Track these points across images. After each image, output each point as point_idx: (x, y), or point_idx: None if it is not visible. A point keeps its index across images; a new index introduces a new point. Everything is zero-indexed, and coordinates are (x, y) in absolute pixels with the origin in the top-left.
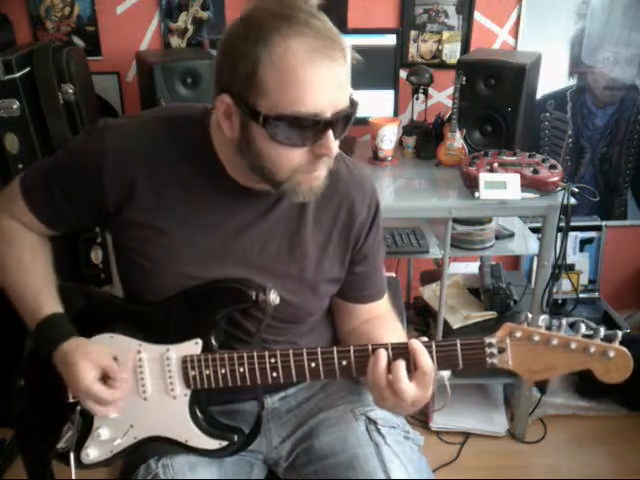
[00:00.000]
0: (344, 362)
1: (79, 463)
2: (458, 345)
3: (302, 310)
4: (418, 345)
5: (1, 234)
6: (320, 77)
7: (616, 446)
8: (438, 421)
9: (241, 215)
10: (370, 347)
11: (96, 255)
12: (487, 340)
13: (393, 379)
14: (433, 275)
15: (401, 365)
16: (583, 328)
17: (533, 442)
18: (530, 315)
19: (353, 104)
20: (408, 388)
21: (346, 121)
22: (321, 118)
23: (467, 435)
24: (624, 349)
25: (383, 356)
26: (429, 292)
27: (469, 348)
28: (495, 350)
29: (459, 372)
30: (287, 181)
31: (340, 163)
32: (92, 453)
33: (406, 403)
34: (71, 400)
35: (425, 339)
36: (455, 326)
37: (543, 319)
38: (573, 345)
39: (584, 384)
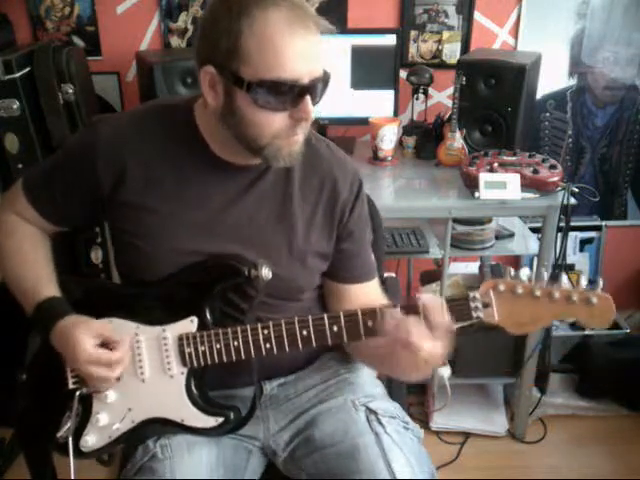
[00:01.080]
0: (335, 328)
1: (79, 452)
2: (443, 302)
3: (292, 283)
4: (430, 300)
5: (3, 226)
6: (297, 45)
7: (616, 446)
8: (438, 421)
9: (228, 189)
10: (359, 312)
11: (96, 255)
12: (471, 294)
13: (405, 333)
14: (433, 275)
15: (412, 319)
16: (565, 279)
17: (533, 442)
18: (512, 270)
19: (326, 74)
20: (420, 342)
21: (322, 88)
22: (299, 84)
23: (467, 435)
24: (606, 294)
25: (393, 313)
26: (429, 292)
27: (455, 305)
28: (479, 304)
29: (459, 372)
30: (268, 146)
31: (322, 144)
32: (91, 440)
33: (420, 359)
34: (71, 386)
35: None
36: (455, 326)
37: (525, 273)
38: (556, 294)
39: (584, 384)
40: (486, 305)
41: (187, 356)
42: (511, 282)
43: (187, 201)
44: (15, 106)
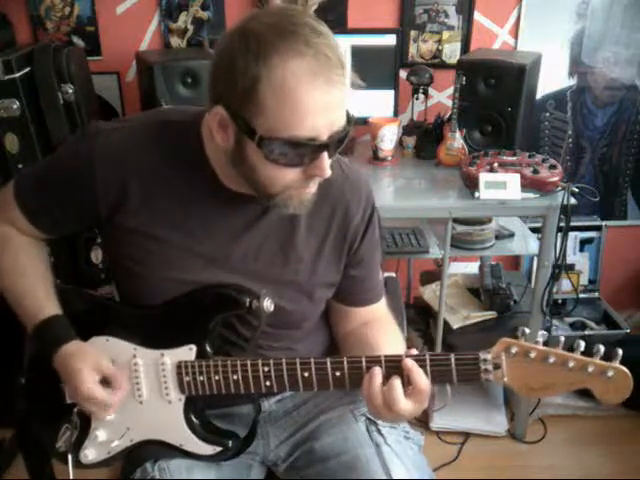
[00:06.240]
0: (337, 373)
1: (78, 463)
2: (452, 360)
3: (298, 316)
4: (413, 365)
5: None
6: (319, 102)
7: (616, 446)
8: (438, 421)
9: (234, 221)
10: (364, 360)
11: (96, 255)
12: (482, 356)
13: (389, 400)
14: (433, 275)
15: (397, 386)
16: (582, 346)
17: (533, 442)
18: (527, 330)
19: (350, 121)
20: (405, 407)
21: (342, 140)
22: (317, 141)
23: (467, 435)
24: (624, 369)
25: (378, 375)
26: (429, 292)
27: (463, 363)
28: (490, 366)
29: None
30: (279, 195)
31: (336, 167)
32: (90, 454)
33: (403, 418)
34: (69, 401)
35: (414, 352)
36: (455, 326)
37: (541, 334)
38: (571, 363)
39: None
40: (497, 366)
41: (185, 384)
42: (525, 345)
43: (192, 231)
44: (15, 106)
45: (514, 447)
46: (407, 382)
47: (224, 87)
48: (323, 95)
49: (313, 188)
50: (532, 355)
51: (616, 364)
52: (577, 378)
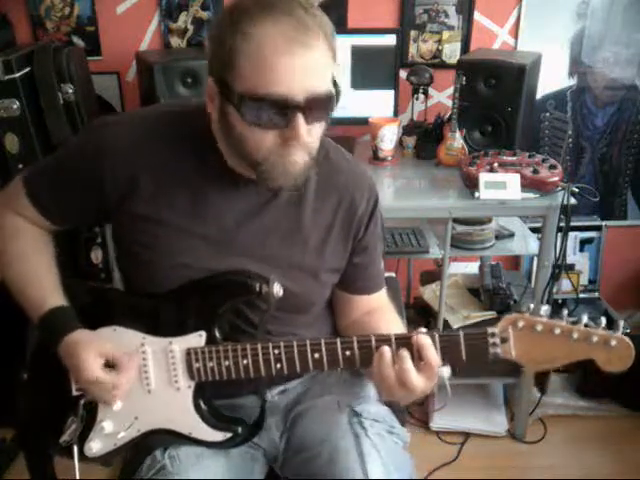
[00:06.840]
0: (347, 353)
1: (82, 456)
2: (461, 336)
3: (305, 299)
4: (425, 339)
5: (4, 229)
6: (292, 63)
7: (616, 446)
8: (438, 421)
9: (242, 205)
10: (373, 339)
11: (96, 255)
12: (490, 330)
13: (402, 376)
14: (433, 275)
15: (406, 357)
16: (585, 318)
17: (533, 442)
18: (532, 305)
19: (337, 92)
20: (417, 381)
21: (321, 107)
22: (291, 101)
23: (467, 435)
24: (626, 338)
25: (387, 353)
26: (429, 292)
27: (472, 338)
28: (498, 340)
29: (460, 370)
30: (264, 162)
31: (340, 158)
32: (95, 446)
33: (415, 394)
34: (75, 393)
35: (424, 330)
36: (455, 326)
37: (545, 310)
38: (575, 334)
39: (584, 384)
40: (504, 340)
41: (195, 371)
42: (531, 319)
43: (200, 216)
44: (15, 106)
45: (514, 447)
46: (418, 358)
47: (212, 59)
48: (299, 58)
49: (297, 157)
50: (538, 328)
51: (618, 334)
52: (581, 348)
